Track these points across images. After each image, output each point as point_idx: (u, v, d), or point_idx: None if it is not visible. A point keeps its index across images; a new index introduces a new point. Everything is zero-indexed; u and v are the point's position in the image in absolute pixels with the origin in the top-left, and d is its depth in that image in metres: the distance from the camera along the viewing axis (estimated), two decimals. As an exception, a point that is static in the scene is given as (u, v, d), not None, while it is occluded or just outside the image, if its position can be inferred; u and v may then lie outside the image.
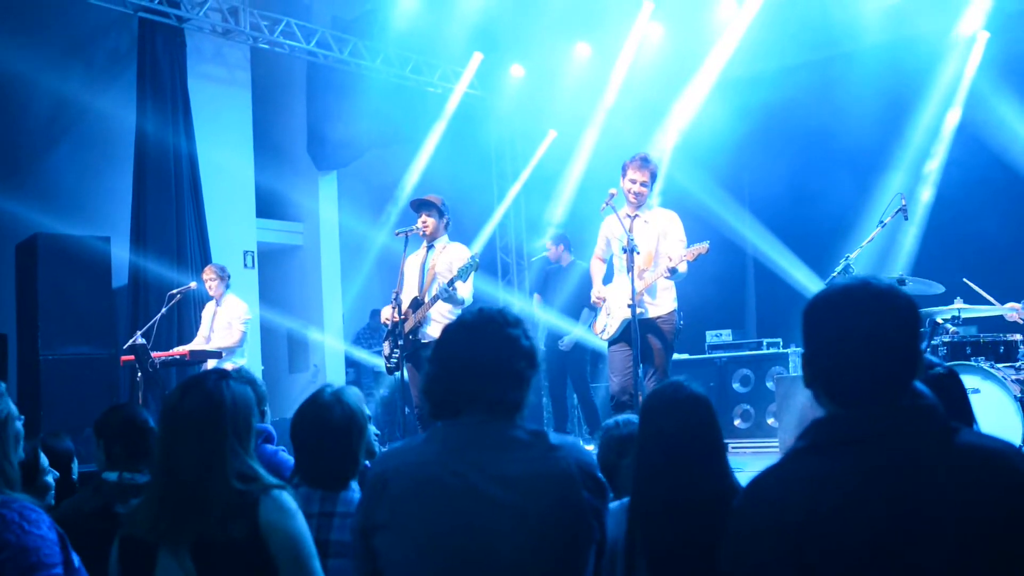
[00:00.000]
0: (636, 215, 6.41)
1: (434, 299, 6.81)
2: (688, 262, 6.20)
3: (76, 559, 2.40)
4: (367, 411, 3.10)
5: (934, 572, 1.67)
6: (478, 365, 2.26)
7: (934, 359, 2.99)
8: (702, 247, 6.10)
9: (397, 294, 6.95)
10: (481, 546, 2.11)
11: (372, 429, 3.32)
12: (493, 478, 2.13)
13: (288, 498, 2.52)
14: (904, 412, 1.87)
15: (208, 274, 8.76)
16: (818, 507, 1.74)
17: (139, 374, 7.99)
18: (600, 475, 2.27)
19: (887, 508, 1.72)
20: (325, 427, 2.94)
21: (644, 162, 6.39)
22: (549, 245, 9.95)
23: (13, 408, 2.50)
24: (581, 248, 9.34)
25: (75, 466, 3.81)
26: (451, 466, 2.17)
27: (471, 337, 2.31)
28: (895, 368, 1.87)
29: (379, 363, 10.69)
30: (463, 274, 6.67)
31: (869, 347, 1.86)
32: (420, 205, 7.12)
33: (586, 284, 9.37)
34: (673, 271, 6.15)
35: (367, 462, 3.38)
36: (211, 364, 8.37)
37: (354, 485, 2.99)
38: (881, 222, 6.61)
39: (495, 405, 2.24)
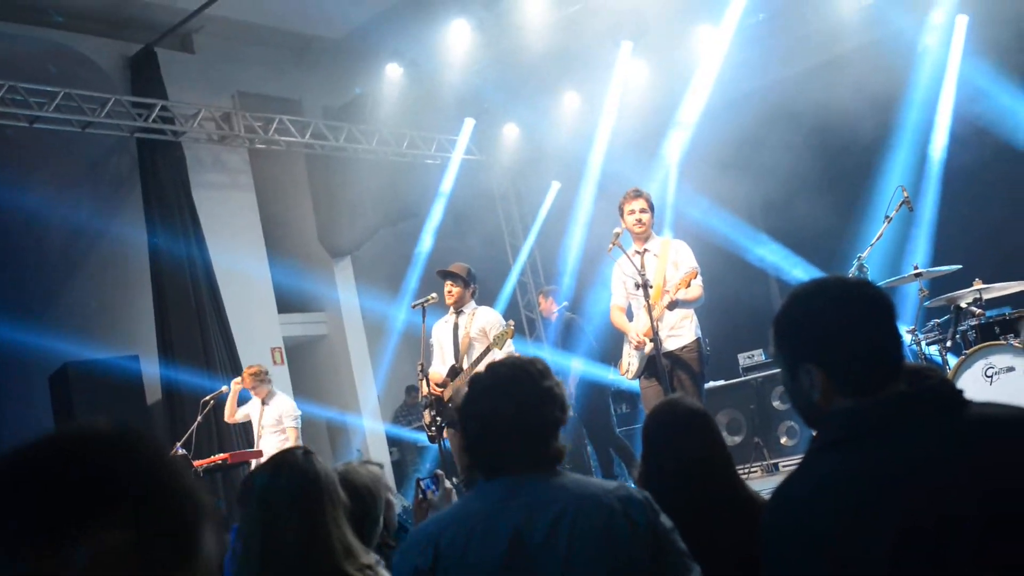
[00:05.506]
0: (645, 250, 6.36)
1: (474, 365, 6.84)
2: (690, 293, 6.07)
3: None
4: (377, 490, 3.03)
5: (968, 560, 1.64)
6: (516, 422, 2.23)
7: None
8: (690, 275, 6.03)
9: (423, 365, 7.00)
10: None
11: (400, 501, 3.30)
12: (543, 526, 2.12)
13: None
14: (918, 395, 1.85)
15: (251, 380, 8.63)
16: (848, 506, 1.72)
17: (183, 485, 7.97)
18: (643, 496, 2.24)
19: (922, 497, 1.68)
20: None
21: (637, 193, 6.42)
22: (540, 302, 10.07)
23: None
24: (599, 289, 9.34)
25: None
26: (501, 517, 2.16)
27: (506, 392, 2.27)
28: (897, 349, 1.88)
29: (421, 438, 10.67)
30: (499, 342, 6.73)
31: (873, 332, 1.86)
32: (445, 275, 7.21)
33: (566, 331, 9.43)
34: (672, 304, 6.08)
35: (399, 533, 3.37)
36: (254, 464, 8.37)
37: None
38: (887, 216, 6.60)
39: (538, 459, 2.23)
